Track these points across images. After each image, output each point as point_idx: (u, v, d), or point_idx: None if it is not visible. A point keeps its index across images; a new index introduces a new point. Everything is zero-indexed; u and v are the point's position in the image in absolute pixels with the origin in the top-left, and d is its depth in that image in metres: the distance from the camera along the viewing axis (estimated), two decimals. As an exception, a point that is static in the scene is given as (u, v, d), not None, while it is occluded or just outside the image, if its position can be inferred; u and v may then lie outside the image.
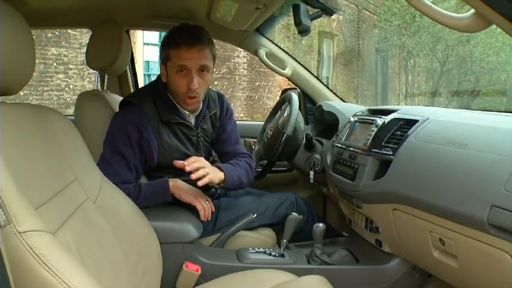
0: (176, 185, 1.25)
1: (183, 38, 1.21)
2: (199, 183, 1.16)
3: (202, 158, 1.24)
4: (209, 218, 1.26)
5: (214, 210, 1.29)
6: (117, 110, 1.36)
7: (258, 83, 8.95)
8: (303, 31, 1.36)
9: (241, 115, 8.70)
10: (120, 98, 1.43)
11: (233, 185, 1.30)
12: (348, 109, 1.59)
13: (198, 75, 1.23)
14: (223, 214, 1.37)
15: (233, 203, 1.43)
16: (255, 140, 1.83)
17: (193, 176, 1.15)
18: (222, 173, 1.25)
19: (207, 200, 1.27)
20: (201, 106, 1.36)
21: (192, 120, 1.36)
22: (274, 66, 1.83)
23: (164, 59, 1.27)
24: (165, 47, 1.25)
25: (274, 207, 1.44)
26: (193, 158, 1.20)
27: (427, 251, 1.00)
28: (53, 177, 0.80)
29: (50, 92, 6.06)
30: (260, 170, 1.57)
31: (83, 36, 6.12)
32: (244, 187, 1.39)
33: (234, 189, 1.43)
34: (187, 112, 1.33)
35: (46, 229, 0.62)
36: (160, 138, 1.27)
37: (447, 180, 0.89)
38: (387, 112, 1.26)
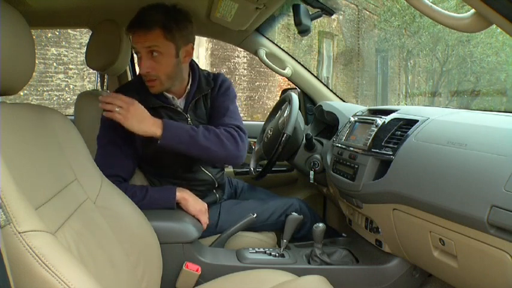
0: (183, 195, 1.24)
1: (133, 20, 1.19)
2: (104, 114, 1.14)
3: (123, 97, 1.14)
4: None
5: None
6: None
7: (258, 83, 8.95)
8: (303, 31, 1.36)
9: (241, 115, 8.67)
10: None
11: (180, 143, 1.17)
12: (348, 109, 1.59)
13: (149, 58, 1.19)
14: (224, 219, 1.36)
15: (235, 207, 1.40)
16: (255, 140, 1.83)
17: (100, 105, 1.13)
18: (159, 129, 1.15)
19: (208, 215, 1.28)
20: (189, 88, 1.31)
21: (181, 103, 1.31)
22: (274, 66, 1.83)
23: None
24: None
25: (277, 214, 1.41)
26: (114, 94, 1.16)
27: (427, 251, 1.00)
28: (53, 177, 0.80)
29: (50, 92, 6.06)
30: (260, 170, 1.57)
31: (83, 36, 6.12)
32: (220, 157, 1.24)
33: (189, 152, 1.20)
34: (171, 95, 1.29)
35: (46, 229, 0.62)
36: None
37: (447, 180, 0.89)
38: (387, 112, 1.26)
